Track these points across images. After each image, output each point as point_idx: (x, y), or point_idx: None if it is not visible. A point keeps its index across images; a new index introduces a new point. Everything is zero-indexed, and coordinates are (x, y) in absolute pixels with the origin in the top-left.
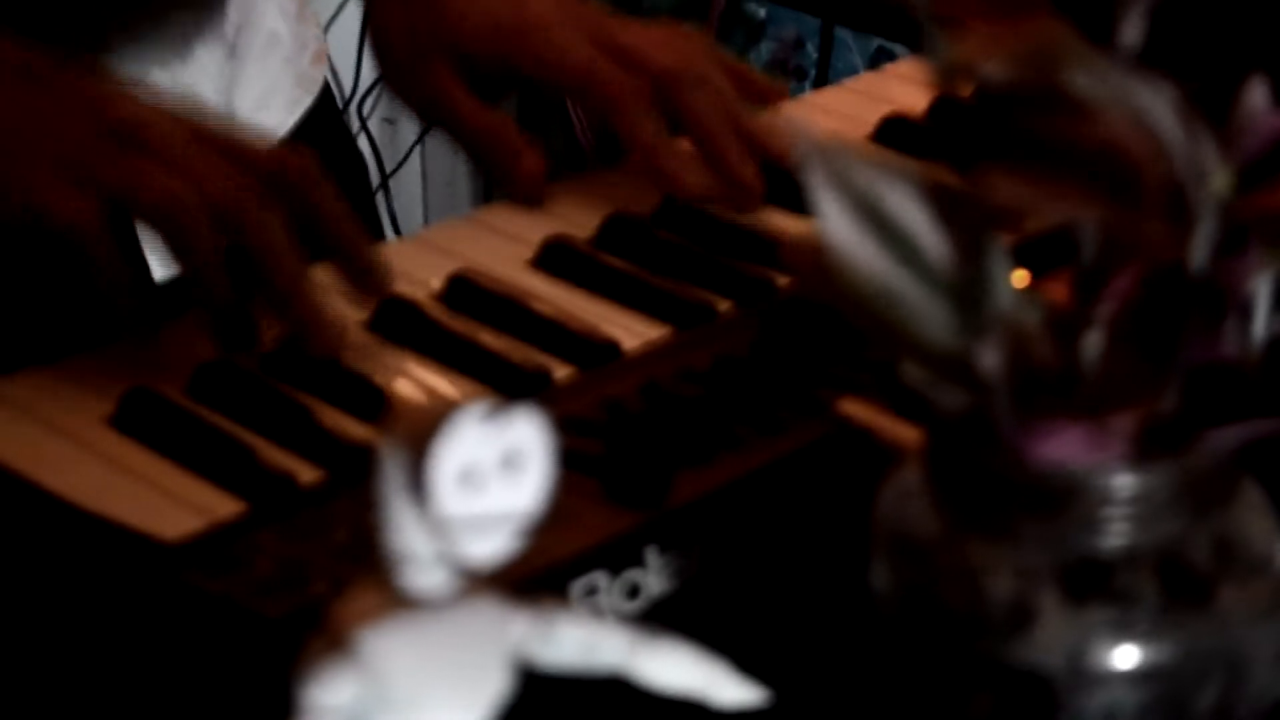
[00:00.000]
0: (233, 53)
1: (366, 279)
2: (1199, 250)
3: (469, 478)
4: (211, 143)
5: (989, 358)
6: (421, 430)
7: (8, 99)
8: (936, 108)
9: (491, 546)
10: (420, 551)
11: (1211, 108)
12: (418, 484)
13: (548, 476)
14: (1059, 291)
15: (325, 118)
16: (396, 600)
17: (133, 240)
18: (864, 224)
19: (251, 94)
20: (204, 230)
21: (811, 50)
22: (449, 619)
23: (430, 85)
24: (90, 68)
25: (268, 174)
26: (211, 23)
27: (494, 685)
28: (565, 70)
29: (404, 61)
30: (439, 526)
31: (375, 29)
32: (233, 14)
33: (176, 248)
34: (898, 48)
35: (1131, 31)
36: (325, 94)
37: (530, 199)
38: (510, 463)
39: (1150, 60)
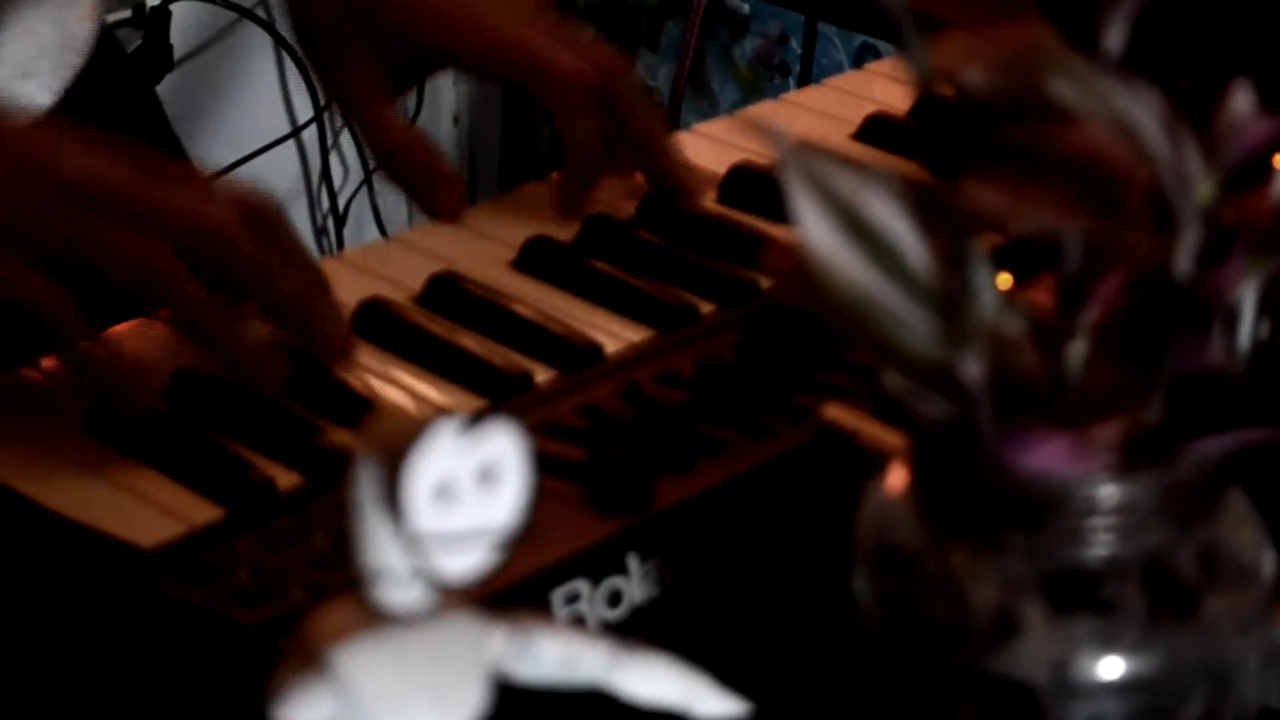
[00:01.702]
0: None
1: (325, 340)
2: (1184, 258)
3: (445, 492)
4: (170, 182)
5: (972, 367)
6: (396, 444)
7: None
8: (920, 107)
9: (468, 561)
10: (395, 567)
11: (1195, 113)
12: (392, 499)
13: (525, 490)
14: (1042, 295)
15: (102, 77)
16: (372, 616)
17: None
18: (844, 231)
19: (12, 59)
20: (181, 281)
21: (795, 46)
22: (425, 635)
23: (349, 82)
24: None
25: (231, 210)
26: None
27: (472, 701)
28: (509, 50)
29: (323, 51)
30: (414, 542)
31: (297, 15)
32: None
33: (161, 304)
34: (882, 44)
35: (1115, 37)
36: (105, 52)
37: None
38: (487, 476)
39: (1134, 65)
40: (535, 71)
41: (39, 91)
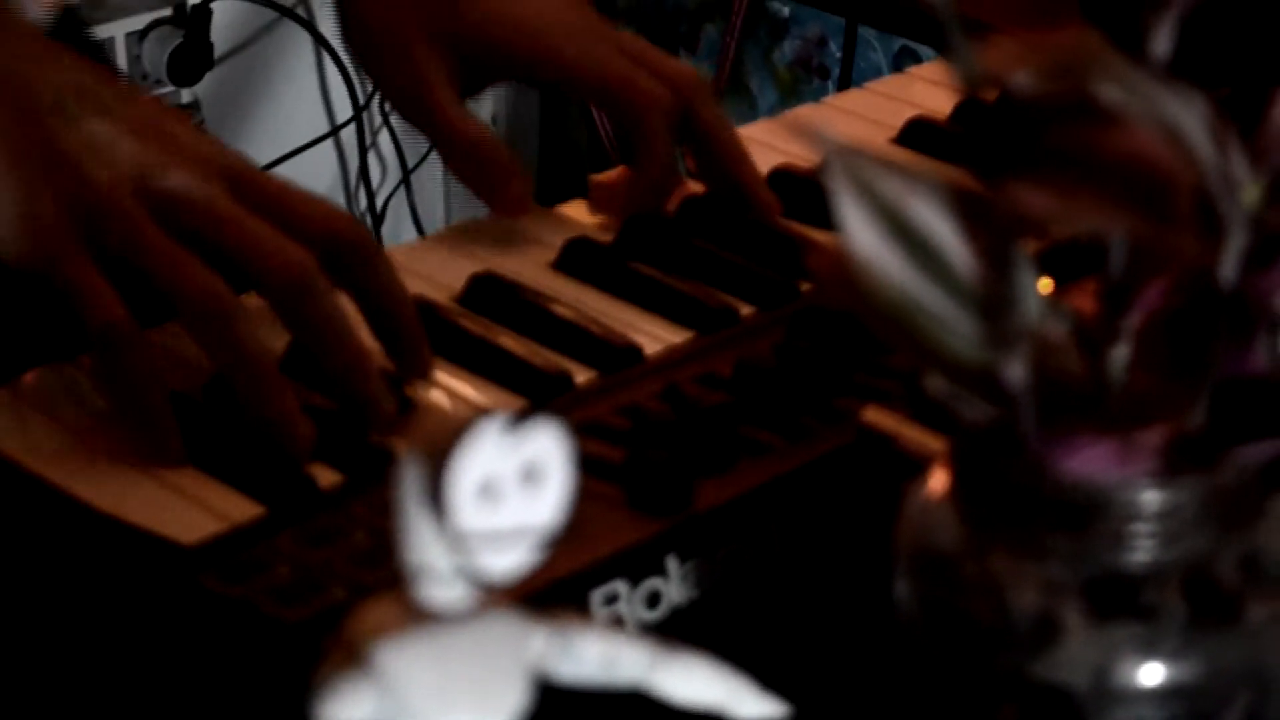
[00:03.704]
0: None
1: (415, 363)
2: (1229, 263)
3: (488, 490)
4: (262, 205)
5: (1015, 370)
6: (440, 442)
7: (40, 140)
8: (962, 110)
9: (511, 560)
10: (439, 565)
11: (1242, 118)
12: (436, 497)
13: (568, 489)
14: (1083, 300)
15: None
16: (414, 613)
17: None
18: (888, 233)
19: None
20: (246, 338)
21: (835, 49)
22: (467, 633)
23: (412, 79)
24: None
25: (323, 241)
26: None
27: (513, 699)
28: (592, 72)
29: (385, 45)
30: (458, 540)
31: (350, 13)
32: None
33: (213, 350)
34: (921, 48)
35: (1162, 41)
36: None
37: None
38: (530, 475)
39: (1180, 70)
40: (616, 94)
41: None
